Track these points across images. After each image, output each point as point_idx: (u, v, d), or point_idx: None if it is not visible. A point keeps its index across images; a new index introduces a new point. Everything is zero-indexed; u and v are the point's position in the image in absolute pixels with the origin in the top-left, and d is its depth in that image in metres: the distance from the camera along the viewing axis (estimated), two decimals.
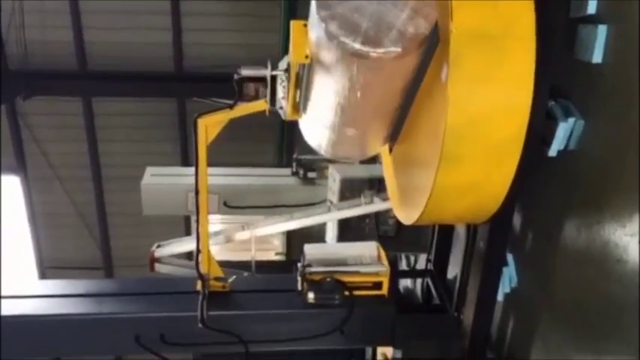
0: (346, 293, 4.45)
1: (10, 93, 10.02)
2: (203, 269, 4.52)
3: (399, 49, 2.83)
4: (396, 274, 4.80)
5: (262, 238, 6.00)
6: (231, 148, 8.26)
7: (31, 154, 11.01)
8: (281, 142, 10.80)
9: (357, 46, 2.81)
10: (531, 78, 2.87)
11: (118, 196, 11.31)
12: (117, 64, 10.27)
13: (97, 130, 10.94)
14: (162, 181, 6.65)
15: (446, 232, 5.00)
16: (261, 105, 4.13)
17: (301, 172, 6.72)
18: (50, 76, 10.17)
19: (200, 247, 4.46)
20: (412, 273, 5.66)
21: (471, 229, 4.33)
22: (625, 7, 2.86)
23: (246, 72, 3.99)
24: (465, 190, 3.21)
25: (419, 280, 5.75)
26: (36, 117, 10.77)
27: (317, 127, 3.86)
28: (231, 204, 6.63)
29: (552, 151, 3.27)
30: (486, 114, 2.92)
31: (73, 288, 4.65)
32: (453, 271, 4.94)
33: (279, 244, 11.14)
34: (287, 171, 7.04)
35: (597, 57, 3.02)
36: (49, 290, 4.64)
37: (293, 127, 10.14)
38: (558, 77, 3.27)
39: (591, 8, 3.02)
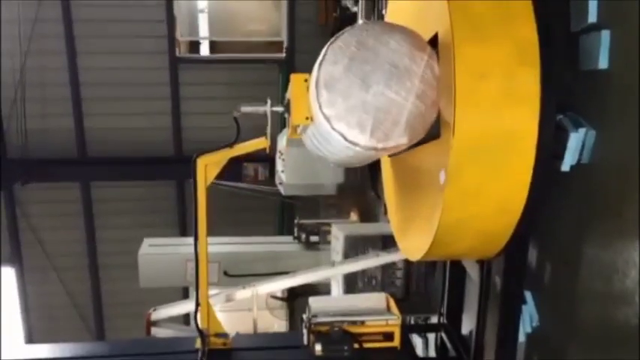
0: (356, 346, 4.17)
1: (8, 181, 10.00)
2: (202, 325, 4.26)
3: (406, 141, 2.88)
4: (407, 330, 4.53)
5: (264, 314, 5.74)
6: (232, 222, 8.16)
7: (27, 243, 10.84)
8: (281, 217, 10.67)
9: (364, 142, 2.82)
10: (527, 184, 3.02)
11: (115, 285, 11.03)
12: (116, 150, 10.35)
13: (94, 217, 10.83)
14: (160, 251, 6.46)
15: (457, 281, 4.78)
16: (261, 143, 4.05)
17: (303, 236, 6.56)
18: (49, 162, 10.20)
19: (199, 299, 4.23)
20: (424, 327, 5.36)
21: (485, 268, 4.12)
22: (626, 9, 2.85)
23: (245, 109, 3.93)
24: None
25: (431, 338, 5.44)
26: (33, 205, 10.71)
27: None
28: (232, 273, 6.40)
29: (565, 165, 3.14)
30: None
31: (66, 351, 4.36)
32: (468, 320, 4.67)
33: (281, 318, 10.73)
34: (289, 238, 6.87)
35: (603, 63, 2.97)
36: (43, 354, 4.34)
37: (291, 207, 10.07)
38: (564, 91, 3.21)
39: (592, 17, 3.01)
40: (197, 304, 4.26)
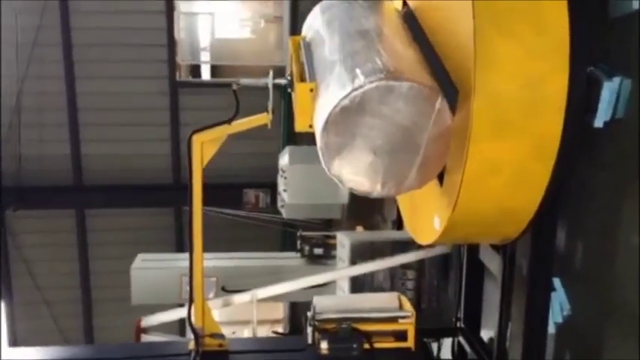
0: (366, 346, 3.76)
1: (0, 209, 9.69)
2: (197, 323, 3.87)
3: (418, 185, 2.86)
4: (421, 334, 4.12)
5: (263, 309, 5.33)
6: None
7: (18, 275, 10.41)
8: (283, 247, 10.27)
9: (375, 194, 2.87)
10: (555, 147, 2.74)
11: (108, 321, 10.53)
12: (113, 177, 10.06)
13: (89, 247, 10.44)
14: (154, 266, 6.08)
15: (475, 283, 4.40)
16: (262, 118, 3.75)
17: (307, 248, 6.18)
18: (44, 189, 9.90)
19: (193, 296, 3.85)
20: (439, 332, 4.92)
21: (507, 256, 3.75)
22: None
23: (245, 81, 3.65)
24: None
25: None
26: (26, 235, 10.35)
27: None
28: (230, 288, 5.99)
29: (598, 121, 2.85)
30: None
31: (57, 354, 3.97)
32: (488, 323, 4.26)
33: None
34: (292, 253, 6.50)
35: (636, 3, 2.72)
36: (35, 356, 3.94)
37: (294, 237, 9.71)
38: (595, 41, 2.94)
39: None
40: (191, 300, 3.88)
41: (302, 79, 3.16)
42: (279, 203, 8.80)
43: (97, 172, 10.12)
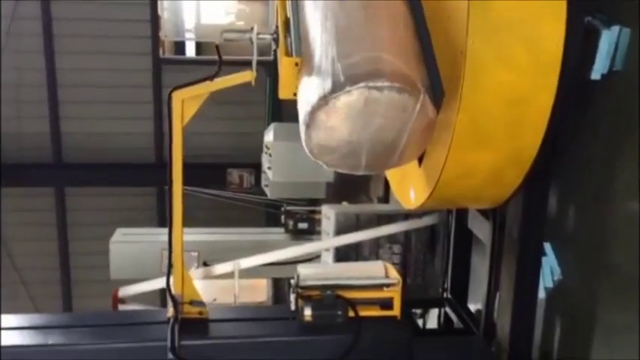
0: (351, 314, 3.64)
1: None
2: (176, 290, 3.72)
3: (403, 162, 2.91)
4: (407, 305, 4.01)
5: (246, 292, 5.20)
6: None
7: None
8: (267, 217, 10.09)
9: (359, 173, 2.97)
10: (551, 99, 2.68)
11: (87, 302, 10.34)
12: (93, 156, 9.85)
13: (68, 227, 10.22)
14: (135, 239, 5.91)
15: (461, 253, 4.30)
16: (245, 75, 3.58)
17: (291, 223, 6.04)
18: (23, 167, 9.67)
19: (172, 260, 3.70)
20: (426, 302, 4.82)
21: (497, 221, 3.65)
22: None
23: (228, 35, 3.49)
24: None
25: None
26: (4, 214, 10.09)
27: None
28: (212, 263, 5.84)
29: (595, 73, 2.74)
30: None
31: (31, 321, 3.80)
32: (475, 293, 4.17)
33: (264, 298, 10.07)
34: (276, 229, 6.36)
35: None
36: (11, 323, 3.76)
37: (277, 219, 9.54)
38: None
39: None
40: (170, 266, 3.73)
41: (287, 50, 3.11)
42: (263, 182, 8.65)
43: (78, 149, 9.90)
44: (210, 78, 3.55)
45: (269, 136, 7.76)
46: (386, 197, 6.45)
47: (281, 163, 7.59)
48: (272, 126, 7.86)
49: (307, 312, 3.58)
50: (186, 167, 9.74)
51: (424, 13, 2.93)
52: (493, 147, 2.79)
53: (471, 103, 2.64)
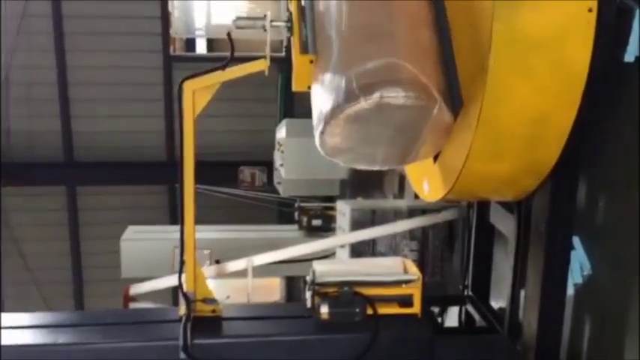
0: (369, 312, 3.51)
1: None
2: (188, 287, 3.61)
3: (416, 161, 2.92)
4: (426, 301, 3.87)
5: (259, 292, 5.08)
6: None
7: (6, 254, 10.12)
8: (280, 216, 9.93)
9: (376, 168, 2.99)
10: (581, 84, 2.56)
11: (99, 302, 10.27)
12: (105, 154, 9.78)
13: (80, 227, 10.16)
14: (146, 237, 5.82)
15: (483, 249, 4.14)
16: (259, 64, 3.46)
17: (305, 220, 5.92)
18: (34, 166, 9.61)
19: (184, 256, 3.59)
20: (446, 300, 4.68)
21: (522, 214, 3.50)
22: None
23: (241, 22, 3.37)
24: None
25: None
26: (15, 214, 10.05)
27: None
28: (225, 262, 5.72)
29: (629, 55, 2.60)
30: None
31: (43, 319, 3.70)
32: (497, 291, 4.02)
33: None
34: (290, 226, 6.23)
35: None
36: (22, 322, 3.66)
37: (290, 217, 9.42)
38: None
39: None
40: (182, 263, 3.62)
41: (301, 46, 3.01)
42: (276, 180, 8.53)
43: (89, 148, 9.84)
44: (222, 67, 3.43)
45: (281, 133, 7.65)
46: (401, 193, 6.32)
47: (294, 160, 7.47)
48: (284, 122, 7.75)
49: (324, 309, 3.44)
50: (197, 165, 9.60)
51: (447, 14, 2.80)
52: (510, 159, 2.78)
53: (490, 117, 2.58)
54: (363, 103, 2.50)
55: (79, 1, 9.37)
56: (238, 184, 9.73)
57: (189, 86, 3.46)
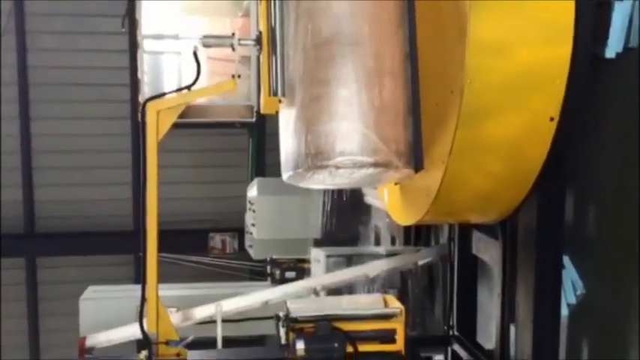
0: (349, 350, 3.22)
1: None
2: (149, 328, 3.29)
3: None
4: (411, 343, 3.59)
5: None
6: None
7: None
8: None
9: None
10: (563, 85, 2.54)
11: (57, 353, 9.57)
12: (69, 224, 9.40)
13: (39, 302, 9.60)
14: (107, 296, 5.44)
15: (468, 282, 3.89)
16: (227, 84, 3.31)
17: (277, 273, 5.62)
18: None
19: (146, 294, 3.30)
20: (431, 340, 4.32)
21: (506, 237, 3.29)
22: None
23: (209, 40, 3.23)
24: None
25: None
26: None
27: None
28: None
29: (610, 51, 2.51)
30: None
31: None
32: (484, 326, 3.74)
33: None
34: (263, 283, 5.92)
35: None
36: None
37: None
38: None
39: None
40: (143, 299, 3.32)
41: (270, 89, 2.90)
42: (247, 243, 8.24)
43: (51, 218, 9.45)
44: (188, 87, 3.27)
45: (252, 192, 7.45)
46: (377, 243, 6.10)
47: (266, 219, 7.24)
48: (255, 181, 7.57)
49: (300, 347, 3.15)
50: (166, 234, 9.19)
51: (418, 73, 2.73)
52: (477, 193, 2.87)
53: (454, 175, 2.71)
54: (320, 170, 2.58)
55: (45, 68, 9.27)
56: (209, 251, 9.39)
57: (152, 107, 3.30)
